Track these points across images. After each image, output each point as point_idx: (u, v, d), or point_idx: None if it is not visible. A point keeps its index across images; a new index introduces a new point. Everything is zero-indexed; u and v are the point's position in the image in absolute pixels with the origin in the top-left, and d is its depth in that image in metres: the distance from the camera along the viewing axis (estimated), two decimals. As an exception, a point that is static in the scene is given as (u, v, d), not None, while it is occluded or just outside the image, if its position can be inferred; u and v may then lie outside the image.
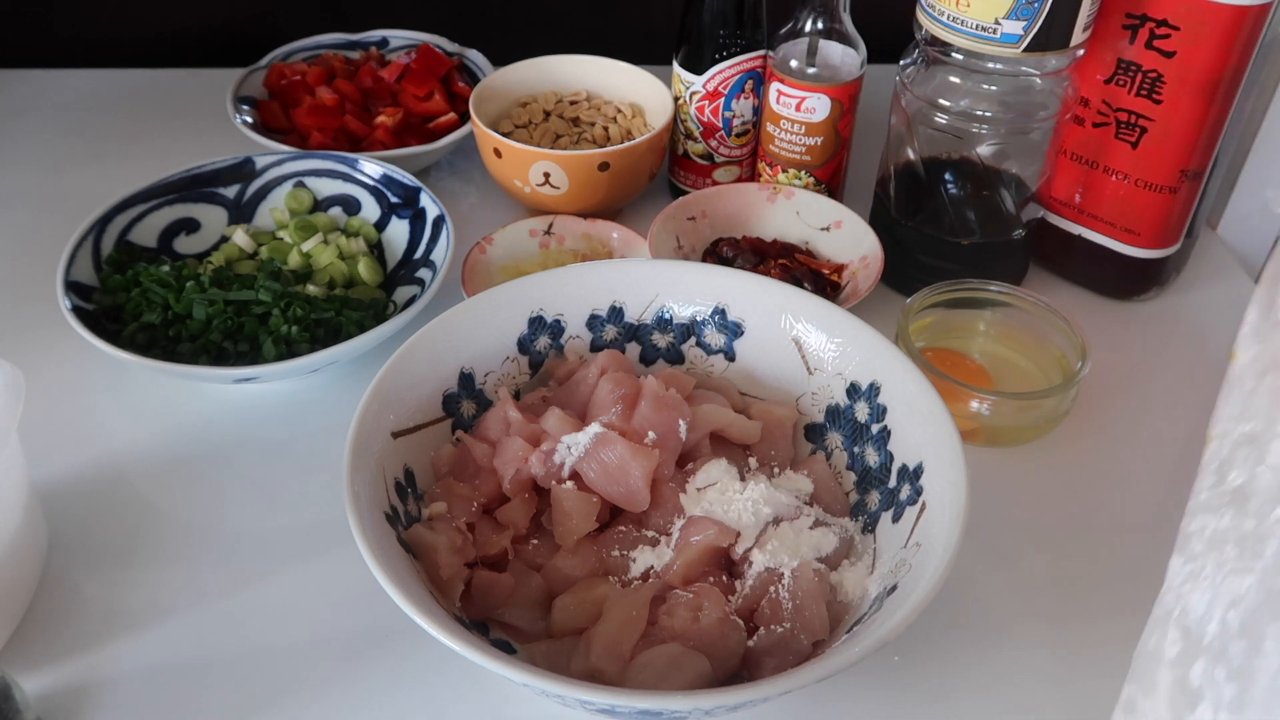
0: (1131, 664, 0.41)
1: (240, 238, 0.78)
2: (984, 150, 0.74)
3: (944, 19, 0.68)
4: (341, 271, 0.76)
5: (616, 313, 0.65)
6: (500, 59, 0.94)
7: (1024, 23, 0.65)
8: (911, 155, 0.76)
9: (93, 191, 0.80)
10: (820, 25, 0.77)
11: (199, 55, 1.08)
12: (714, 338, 0.66)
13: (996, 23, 0.66)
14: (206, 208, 0.80)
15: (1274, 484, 0.37)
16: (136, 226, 0.76)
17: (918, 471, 0.55)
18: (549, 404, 0.61)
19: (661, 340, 0.66)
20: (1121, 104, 0.72)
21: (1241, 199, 0.86)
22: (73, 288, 0.70)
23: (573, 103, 0.91)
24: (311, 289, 0.74)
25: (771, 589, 0.52)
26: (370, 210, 0.81)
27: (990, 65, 0.69)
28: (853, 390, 0.61)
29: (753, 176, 0.88)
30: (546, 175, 0.81)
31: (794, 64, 0.79)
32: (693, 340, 0.66)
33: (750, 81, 0.82)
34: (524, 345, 0.64)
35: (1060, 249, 0.80)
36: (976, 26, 0.66)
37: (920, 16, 0.70)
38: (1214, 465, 0.40)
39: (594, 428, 0.56)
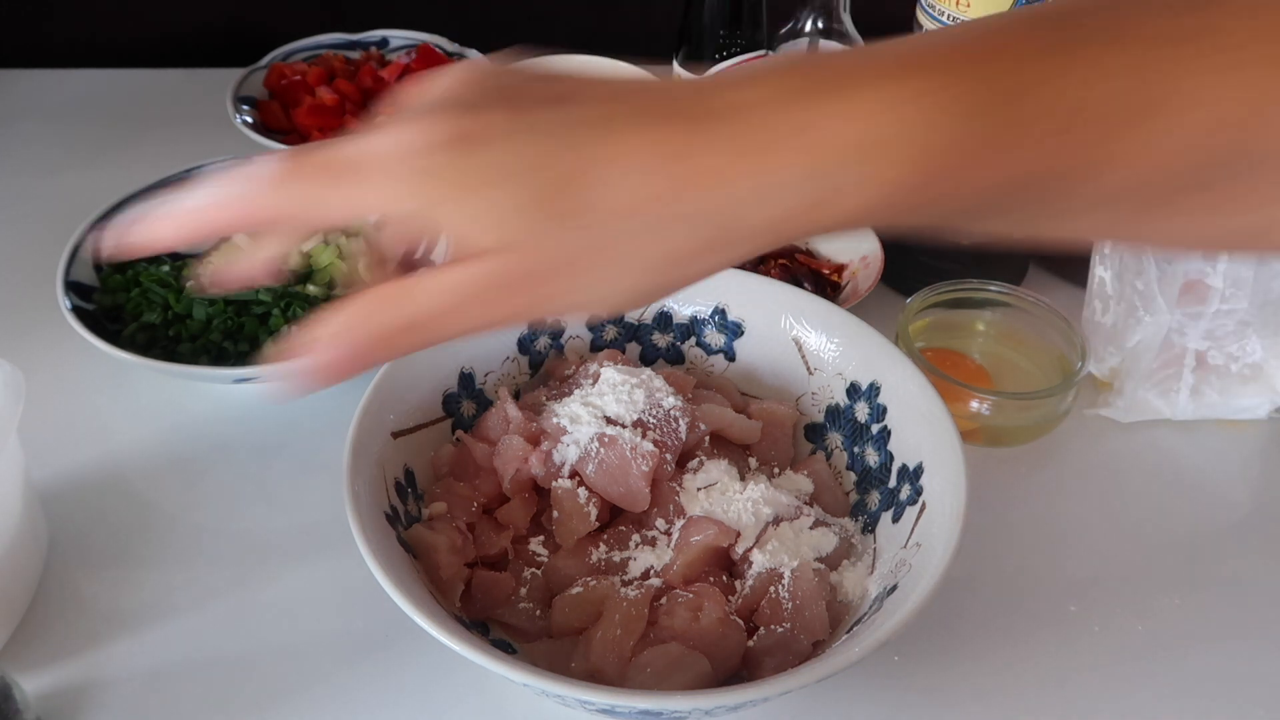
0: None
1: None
2: (984, 150, 0.74)
3: (944, 19, 0.68)
4: (341, 271, 0.76)
5: (616, 313, 0.65)
6: (500, 59, 0.94)
7: (1024, 23, 0.65)
8: (911, 155, 0.76)
9: (93, 191, 0.80)
10: (820, 25, 0.77)
11: (199, 55, 1.08)
12: (714, 337, 0.66)
13: (996, 23, 0.65)
14: (206, 208, 0.79)
15: None
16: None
17: (918, 471, 0.55)
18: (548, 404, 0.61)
19: (661, 340, 0.66)
20: (1121, 104, 0.71)
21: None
22: (73, 288, 0.70)
23: (573, 103, 0.90)
24: (311, 289, 0.74)
25: (771, 589, 0.52)
26: (370, 210, 0.81)
27: (990, 65, 0.69)
28: (853, 390, 0.61)
29: (753, 176, 0.87)
30: (546, 175, 0.80)
31: (794, 64, 0.78)
32: (693, 340, 0.66)
33: (750, 81, 0.82)
34: (524, 345, 0.64)
35: (1060, 249, 0.79)
36: (976, 26, 0.66)
37: (920, 16, 0.70)
38: None
39: (594, 427, 0.56)
